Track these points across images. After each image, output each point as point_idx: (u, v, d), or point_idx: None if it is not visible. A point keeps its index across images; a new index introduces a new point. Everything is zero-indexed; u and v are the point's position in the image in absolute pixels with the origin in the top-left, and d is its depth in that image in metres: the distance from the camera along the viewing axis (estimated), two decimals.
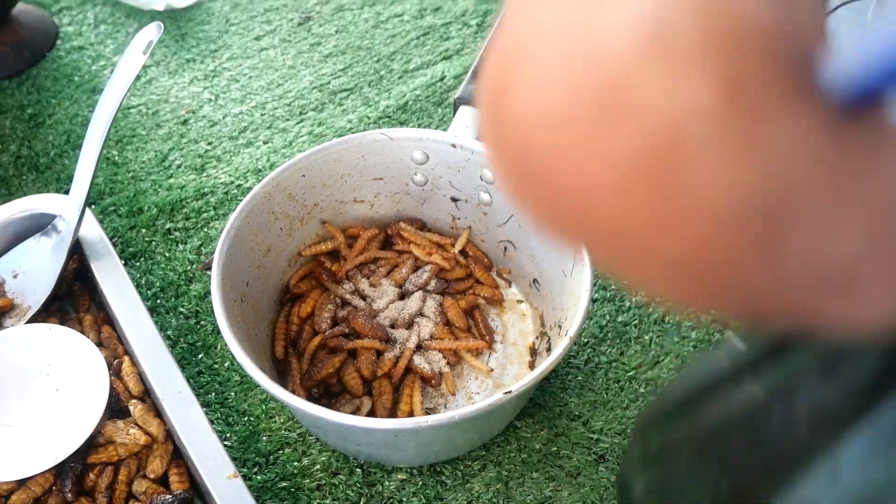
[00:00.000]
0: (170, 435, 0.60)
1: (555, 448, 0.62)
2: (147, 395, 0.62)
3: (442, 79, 0.89)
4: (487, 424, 0.59)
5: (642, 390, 0.64)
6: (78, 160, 0.67)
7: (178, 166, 0.82)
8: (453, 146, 0.64)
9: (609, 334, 0.68)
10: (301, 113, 0.87)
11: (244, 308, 0.59)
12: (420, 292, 0.67)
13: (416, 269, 0.69)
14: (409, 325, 0.66)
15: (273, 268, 0.65)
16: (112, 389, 0.60)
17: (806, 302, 0.20)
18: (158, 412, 0.60)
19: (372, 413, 0.61)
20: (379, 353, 0.64)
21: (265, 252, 0.64)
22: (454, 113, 0.69)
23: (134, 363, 0.63)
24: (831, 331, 0.21)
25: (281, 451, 0.62)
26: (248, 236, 0.61)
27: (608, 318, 0.69)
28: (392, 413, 0.62)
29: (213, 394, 0.65)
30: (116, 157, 0.82)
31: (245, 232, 0.60)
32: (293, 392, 0.60)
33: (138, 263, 0.74)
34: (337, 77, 0.90)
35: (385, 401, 0.62)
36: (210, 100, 0.88)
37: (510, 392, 0.50)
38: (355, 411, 0.61)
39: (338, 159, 0.65)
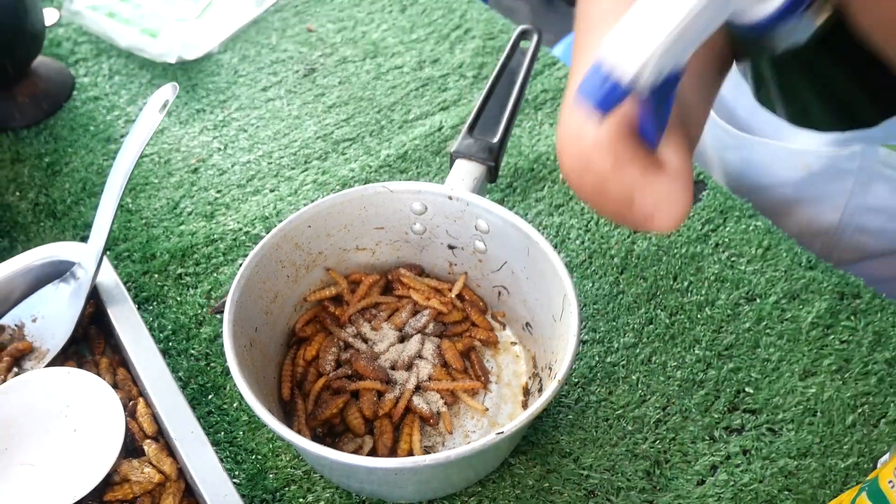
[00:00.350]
0: (182, 473, 0.61)
1: (547, 484, 0.64)
2: (160, 435, 0.64)
3: (440, 129, 0.92)
4: (483, 462, 0.62)
5: (630, 428, 0.67)
6: (94, 207, 0.69)
7: (189, 213, 0.85)
8: (450, 198, 0.67)
9: (598, 374, 0.71)
10: (306, 162, 0.90)
11: (253, 352, 0.62)
12: (419, 335, 0.69)
13: (415, 313, 0.71)
14: (409, 366, 0.68)
15: (280, 313, 0.68)
16: (127, 430, 0.62)
17: None
18: (171, 451, 0.62)
19: (373, 451, 0.63)
20: (380, 394, 0.65)
21: (273, 298, 0.66)
22: (450, 166, 0.72)
23: (148, 404, 0.64)
24: None
25: (287, 489, 0.64)
26: (257, 284, 0.63)
27: (597, 359, 0.72)
28: (392, 451, 0.64)
29: (223, 433, 0.68)
30: (130, 205, 0.85)
31: (254, 280, 0.63)
32: (299, 432, 0.62)
33: (151, 307, 0.76)
34: (340, 127, 0.94)
35: (386, 440, 0.63)
36: (219, 149, 0.92)
37: (503, 433, 0.52)
38: (357, 450, 0.63)
39: (341, 211, 0.68)
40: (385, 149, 0.91)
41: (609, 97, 0.33)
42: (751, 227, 0.81)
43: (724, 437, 0.67)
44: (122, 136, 0.93)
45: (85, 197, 0.86)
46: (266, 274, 0.65)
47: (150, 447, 0.62)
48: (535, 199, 0.85)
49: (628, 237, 0.81)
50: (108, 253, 0.79)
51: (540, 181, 0.86)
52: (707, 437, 0.67)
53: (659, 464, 0.65)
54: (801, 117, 0.52)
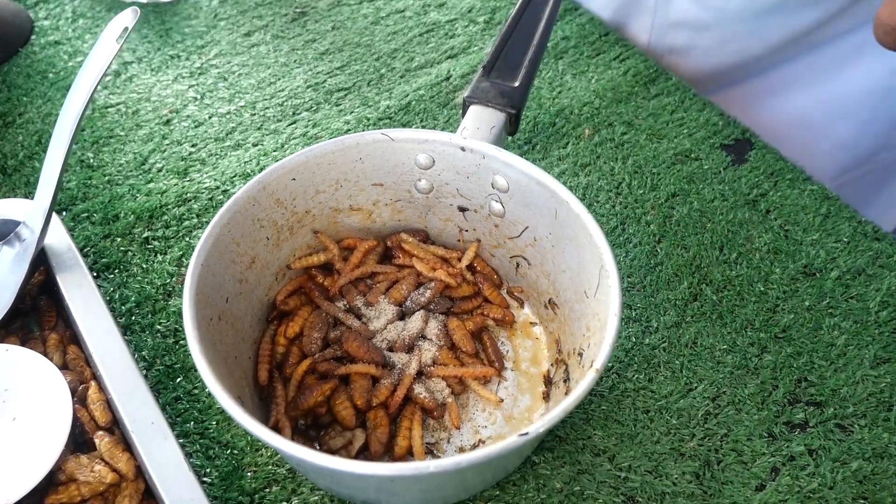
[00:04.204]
0: (141, 472, 0.55)
1: (578, 487, 0.56)
2: (116, 426, 0.57)
3: (447, 78, 0.85)
4: (502, 465, 0.54)
5: (674, 422, 0.58)
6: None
7: (159, 170, 0.77)
8: (462, 149, 0.59)
9: (635, 358, 0.62)
10: (294, 113, 0.82)
11: (222, 327, 0.54)
12: (422, 312, 0.62)
13: (418, 285, 0.64)
14: (410, 348, 0.61)
15: (257, 282, 0.60)
16: (76, 419, 0.56)
17: None
18: (128, 446, 0.56)
19: (365, 447, 0.56)
20: (375, 380, 0.59)
21: (249, 264, 0.58)
22: (463, 113, 0.65)
23: (102, 389, 0.58)
24: None
25: (267, 490, 0.56)
26: (230, 245, 0.55)
27: (634, 340, 0.63)
28: (388, 448, 0.56)
29: (192, 422, 0.60)
30: (91, 160, 0.77)
31: (226, 240, 0.55)
32: (277, 423, 0.56)
33: (112, 276, 0.68)
34: (333, 76, 0.86)
35: (380, 434, 0.56)
36: (195, 99, 0.84)
37: (527, 434, 0.43)
38: (346, 445, 0.56)
39: (333, 162, 0.59)
40: (385, 100, 0.83)
41: None
42: (805, 192, 0.72)
43: (786, 434, 0.58)
44: None
45: (40, 151, 0.78)
46: (240, 233, 0.56)
47: (102, 440, 0.56)
48: (557, 158, 0.76)
49: (666, 201, 0.72)
50: (63, 214, 0.73)
51: (563, 137, 0.78)
52: (765, 434, 0.58)
53: (709, 465, 0.57)
54: None
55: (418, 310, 0.62)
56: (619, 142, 0.77)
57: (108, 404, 0.57)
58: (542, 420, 0.44)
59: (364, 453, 0.56)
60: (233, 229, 0.55)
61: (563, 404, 0.44)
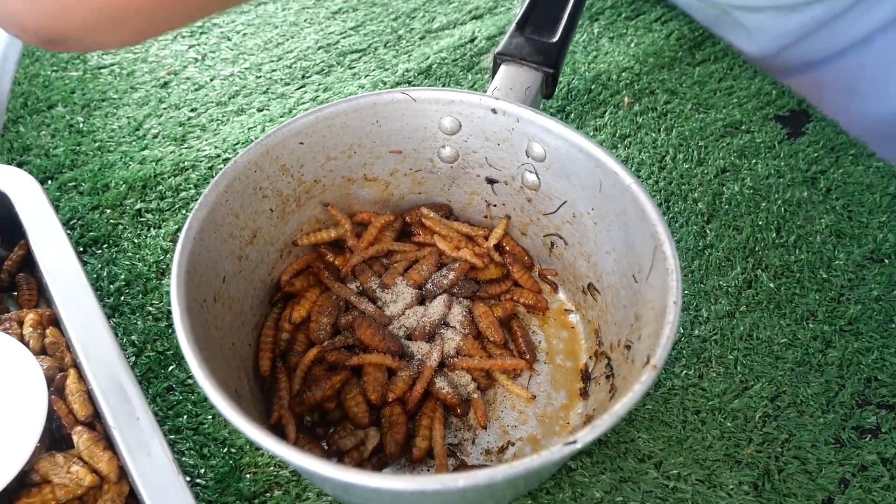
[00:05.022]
0: (124, 473, 0.51)
1: (620, 498, 0.52)
2: (97, 421, 0.53)
3: (472, 40, 0.80)
4: (536, 476, 0.48)
5: (728, 424, 0.53)
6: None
7: (155, 136, 0.73)
8: (494, 111, 0.53)
9: (684, 352, 0.57)
10: (304, 76, 0.79)
11: (217, 310, 0.49)
12: (444, 296, 0.59)
13: (440, 266, 0.61)
14: (430, 337, 0.58)
15: (260, 260, 0.56)
16: (52, 412, 0.52)
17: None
18: (111, 443, 0.52)
19: (380, 448, 0.52)
20: (391, 372, 0.55)
21: (250, 239, 0.54)
22: (493, 73, 0.60)
23: (82, 378, 0.54)
24: None
25: (268, 494, 0.52)
26: (227, 217, 0.50)
27: (682, 331, 0.58)
28: (405, 449, 0.52)
29: (186, 416, 0.56)
30: (81, 124, 0.73)
31: (223, 211, 0.50)
32: (279, 418, 0.51)
33: (100, 251, 0.64)
34: (347, 36, 0.82)
35: (397, 434, 0.52)
36: (196, 60, 0.81)
37: (574, 443, 0.38)
38: (358, 446, 0.51)
39: (346, 124, 0.54)
40: (403, 63, 0.79)
41: None
42: (871, 169, 0.67)
43: (855, 440, 0.53)
44: None
45: (25, 115, 0.74)
46: (240, 203, 0.51)
47: (81, 437, 0.52)
48: (593, 128, 0.72)
49: (715, 177, 0.66)
50: (49, 182, 0.69)
51: (600, 105, 0.73)
52: (832, 440, 0.53)
53: (769, 474, 0.52)
54: None
55: (440, 293, 0.59)
56: (661, 111, 0.72)
57: (89, 396, 0.53)
58: (591, 426, 0.38)
59: (378, 455, 0.52)
60: (231, 198, 0.50)
61: (617, 406, 0.39)
